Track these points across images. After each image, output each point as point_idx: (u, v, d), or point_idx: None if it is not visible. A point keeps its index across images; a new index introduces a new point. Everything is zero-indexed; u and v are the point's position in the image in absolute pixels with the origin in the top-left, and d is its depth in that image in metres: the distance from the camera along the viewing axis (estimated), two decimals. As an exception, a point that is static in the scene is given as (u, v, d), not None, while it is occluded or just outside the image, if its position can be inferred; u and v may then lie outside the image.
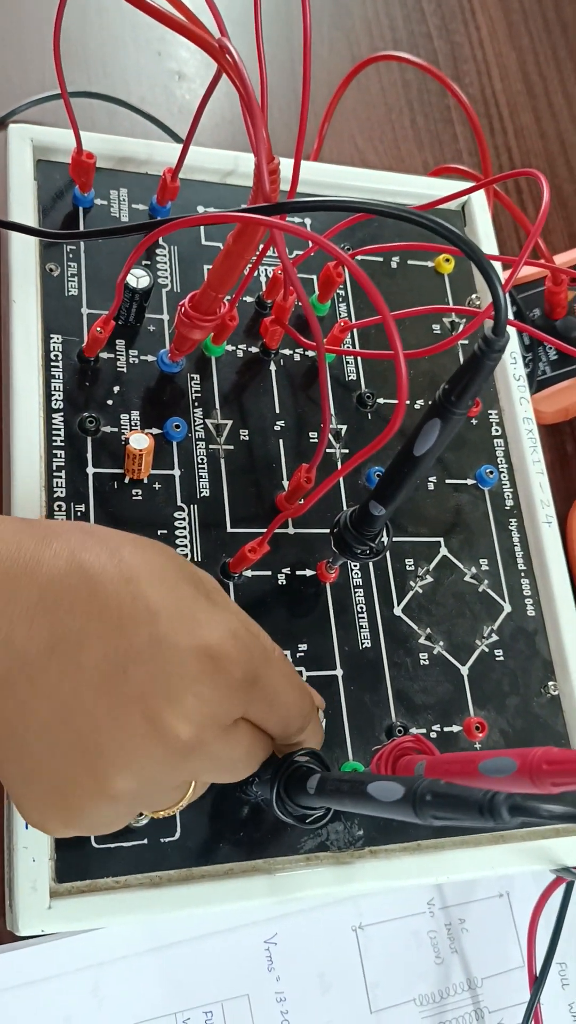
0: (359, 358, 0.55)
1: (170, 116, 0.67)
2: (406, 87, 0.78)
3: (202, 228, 0.54)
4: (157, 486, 0.48)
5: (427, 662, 0.50)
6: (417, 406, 0.55)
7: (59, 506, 0.46)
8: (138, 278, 0.48)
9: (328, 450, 0.52)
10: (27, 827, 0.40)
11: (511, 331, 0.58)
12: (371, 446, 0.37)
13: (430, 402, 0.37)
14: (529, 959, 0.52)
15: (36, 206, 0.50)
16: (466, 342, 0.58)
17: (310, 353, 0.53)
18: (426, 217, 0.31)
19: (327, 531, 0.50)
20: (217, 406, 0.51)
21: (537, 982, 0.52)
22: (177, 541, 0.47)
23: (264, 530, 0.48)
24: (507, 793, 0.27)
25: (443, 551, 0.53)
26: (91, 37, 0.67)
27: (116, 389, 0.49)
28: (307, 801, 0.39)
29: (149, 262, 0.52)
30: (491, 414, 0.57)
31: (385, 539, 0.44)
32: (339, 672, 0.48)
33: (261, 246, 0.49)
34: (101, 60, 0.67)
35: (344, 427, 0.53)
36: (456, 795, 0.29)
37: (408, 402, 0.55)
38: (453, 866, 0.47)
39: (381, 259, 0.58)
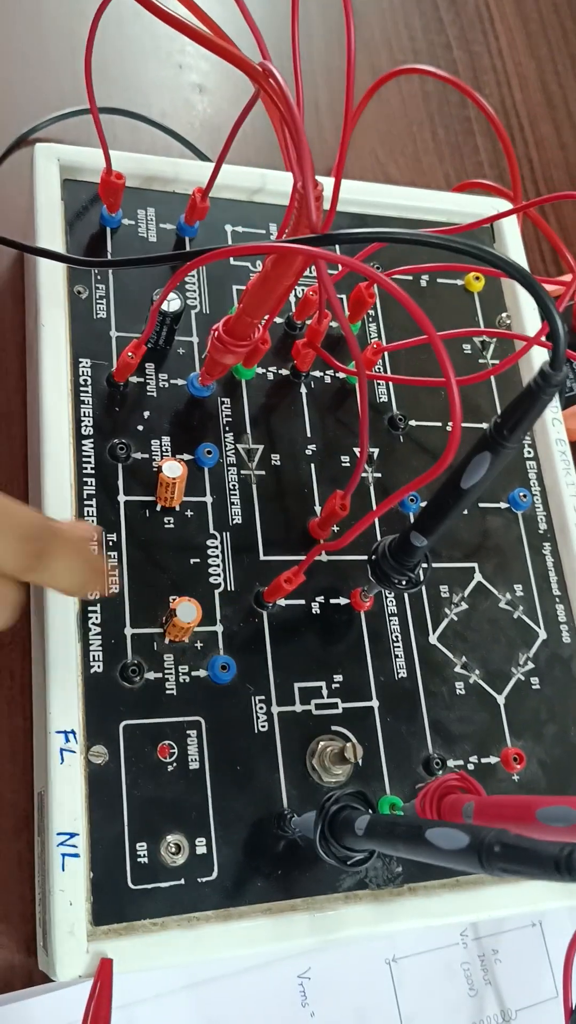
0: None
1: (191, 130, 0.66)
2: (426, 99, 0.77)
3: (230, 247, 0.53)
4: (189, 513, 0.47)
5: (463, 691, 0.49)
6: (449, 428, 0.54)
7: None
8: (169, 301, 0.47)
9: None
10: (63, 869, 0.39)
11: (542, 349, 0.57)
12: (417, 481, 0.36)
13: (472, 427, 0.36)
14: (565, 991, 0.51)
15: (63, 227, 0.49)
16: (493, 360, 0.57)
17: (340, 375, 0.52)
18: (490, 252, 0.30)
19: (360, 557, 0.49)
20: (248, 430, 0.50)
21: (574, 1015, 0.51)
22: (210, 569, 0.46)
23: (296, 557, 0.48)
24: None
25: (477, 577, 0.52)
26: (110, 49, 0.66)
27: (146, 414, 0.48)
28: (354, 843, 0.38)
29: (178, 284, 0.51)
30: (523, 436, 0.56)
31: (424, 567, 0.43)
32: (375, 703, 0.47)
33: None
34: (121, 73, 0.66)
35: (376, 451, 0.52)
36: (528, 848, 0.28)
37: (440, 424, 0.54)
38: (493, 902, 0.46)
39: (411, 278, 0.57)
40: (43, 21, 0.64)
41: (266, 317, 0.46)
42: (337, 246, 0.53)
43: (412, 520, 0.50)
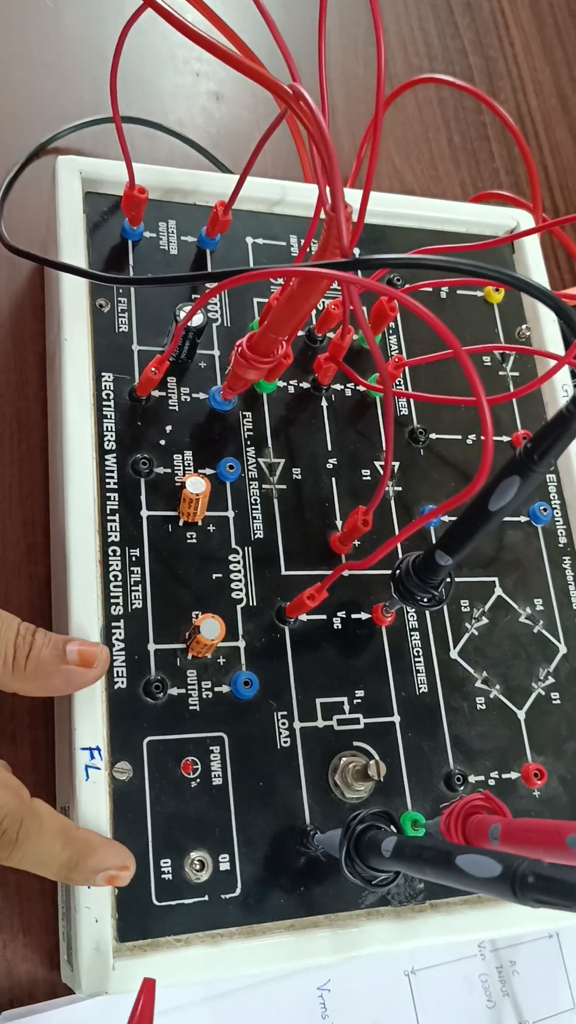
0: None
1: (208, 138, 0.66)
2: (442, 105, 0.77)
3: (251, 258, 0.53)
4: (211, 528, 0.47)
5: (484, 707, 0.49)
6: (469, 441, 0.54)
7: (114, 551, 0.45)
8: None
9: (381, 488, 0.51)
10: (88, 887, 0.40)
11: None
12: (452, 500, 0.36)
13: (510, 458, 0.36)
14: (583, 1004, 0.52)
15: (86, 240, 0.49)
16: (512, 372, 0.57)
17: (361, 388, 0.52)
18: (517, 278, 0.30)
19: (383, 573, 0.49)
20: (269, 444, 0.50)
21: (591, 1028, 0.51)
22: (232, 584, 0.47)
23: (318, 572, 0.48)
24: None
25: (498, 591, 0.52)
26: (127, 57, 0.66)
27: (168, 428, 0.48)
28: (380, 864, 0.38)
29: (198, 296, 0.51)
30: (543, 449, 0.56)
31: (447, 585, 0.43)
32: (397, 719, 0.47)
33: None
34: (138, 80, 0.66)
35: (397, 464, 0.52)
36: (563, 880, 0.28)
37: (459, 437, 0.54)
38: (513, 919, 0.46)
39: (430, 289, 0.57)
40: (62, 30, 0.64)
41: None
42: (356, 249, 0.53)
43: (434, 536, 0.50)
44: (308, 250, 0.49)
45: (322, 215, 0.37)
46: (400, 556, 0.44)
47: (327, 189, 0.36)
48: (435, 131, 0.76)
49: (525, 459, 0.35)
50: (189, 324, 0.47)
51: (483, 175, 0.76)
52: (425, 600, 0.43)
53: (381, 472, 0.51)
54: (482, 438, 0.33)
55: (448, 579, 0.43)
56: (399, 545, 0.50)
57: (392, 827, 0.40)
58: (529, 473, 0.35)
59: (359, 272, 0.36)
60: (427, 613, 0.50)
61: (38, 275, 0.56)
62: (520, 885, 0.29)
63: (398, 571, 0.43)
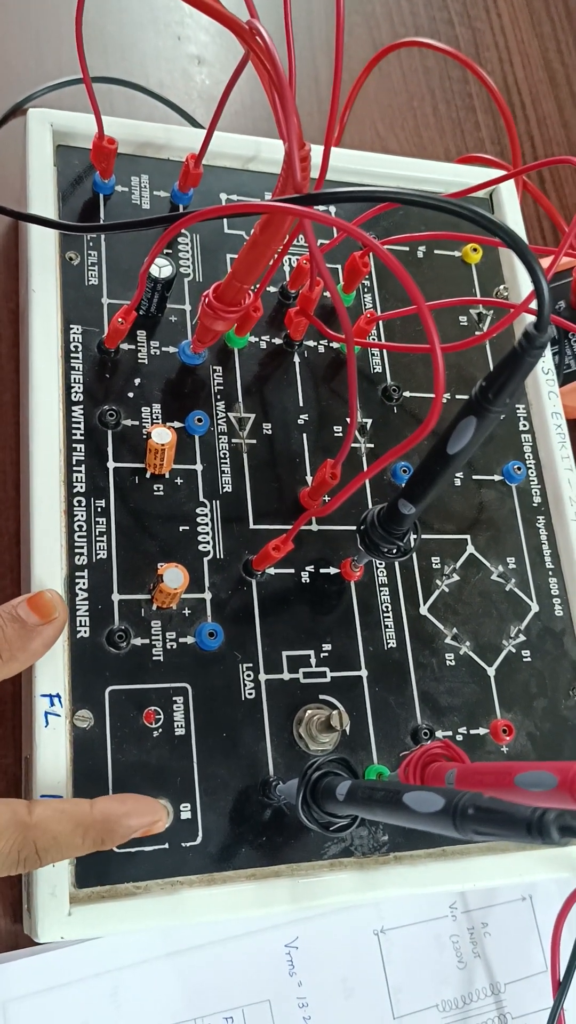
0: (384, 350, 0.54)
1: (189, 101, 0.65)
2: (427, 73, 0.77)
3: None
4: (179, 481, 0.47)
5: (453, 663, 0.49)
6: (443, 400, 0.54)
7: (79, 501, 0.45)
8: (160, 268, 0.47)
9: (353, 445, 0.51)
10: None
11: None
12: (403, 445, 0.36)
13: (465, 398, 0.35)
14: (553, 965, 0.51)
15: (56, 193, 0.49)
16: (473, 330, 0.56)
17: (334, 345, 0.52)
18: (469, 208, 0.30)
19: (352, 528, 0.49)
20: (240, 399, 0.50)
21: (561, 988, 0.51)
22: (199, 537, 0.46)
23: (287, 526, 0.47)
24: (557, 811, 0.26)
25: (470, 549, 0.51)
26: (109, 20, 0.66)
27: (137, 381, 0.48)
28: (335, 808, 0.38)
29: (171, 251, 0.51)
30: (519, 409, 0.56)
31: (413, 538, 0.43)
32: (364, 673, 0.47)
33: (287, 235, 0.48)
34: (119, 44, 0.66)
35: (369, 421, 0.52)
36: (501, 811, 0.27)
37: (432, 395, 0.53)
38: (479, 873, 0.46)
39: (407, 248, 0.56)
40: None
41: (257, 284, 0.46)
42: (332, 210, 0.53)
43: (403, 490, 0.49)
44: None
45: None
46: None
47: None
48: (420, 100, 0.75)
49: (480, 398, 0.35)
50: (157, 276, 0.47)
51: (468, 145, 0.76)
52: (391, 552, 0.43)
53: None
54: (435, 384, 0.32)
55: (414, 530, 0.43)
56: (370, 502, 0.50)
57: (349, 773, 0.39)
58: (485, 413, 0.35)
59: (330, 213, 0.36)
60: (397, 569, 0.49)
61: (13, 232, 0.56)
62: (460, 817, 0.29)
63: (363, 524, 0.43)
